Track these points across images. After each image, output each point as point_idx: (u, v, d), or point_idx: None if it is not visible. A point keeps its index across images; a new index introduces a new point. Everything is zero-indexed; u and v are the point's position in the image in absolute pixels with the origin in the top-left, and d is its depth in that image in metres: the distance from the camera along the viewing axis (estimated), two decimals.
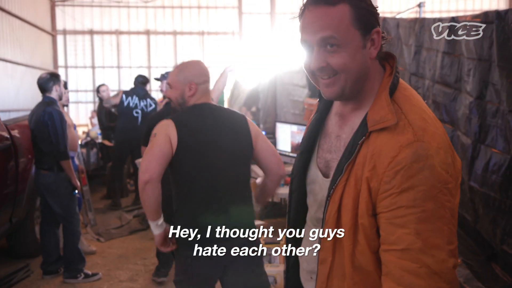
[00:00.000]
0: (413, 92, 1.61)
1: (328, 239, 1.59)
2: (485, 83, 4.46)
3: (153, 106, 8.64)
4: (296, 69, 9.20)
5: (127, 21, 21.42)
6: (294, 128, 6.81)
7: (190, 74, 3.16)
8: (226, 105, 14.84)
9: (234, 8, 21.67)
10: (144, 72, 19.66)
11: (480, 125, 4.55)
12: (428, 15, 6.35)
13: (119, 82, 19.94)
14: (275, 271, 4.55)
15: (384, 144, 1.47)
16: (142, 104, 8.36)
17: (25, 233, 5.74)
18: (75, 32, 20.95)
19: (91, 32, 21.03)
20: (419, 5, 6.67)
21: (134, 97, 8.38)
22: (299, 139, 6.62)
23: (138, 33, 21.30)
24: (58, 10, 20.73)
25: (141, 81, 8.71)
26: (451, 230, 1.42)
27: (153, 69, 20.41)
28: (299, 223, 1.87)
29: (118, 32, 21.17)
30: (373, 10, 1.56)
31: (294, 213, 1.88)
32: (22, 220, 5.54)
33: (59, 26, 20.79)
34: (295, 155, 6.55)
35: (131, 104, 8.31)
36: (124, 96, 8.40)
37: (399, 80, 1.59)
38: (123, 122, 8.45)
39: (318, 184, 1.73)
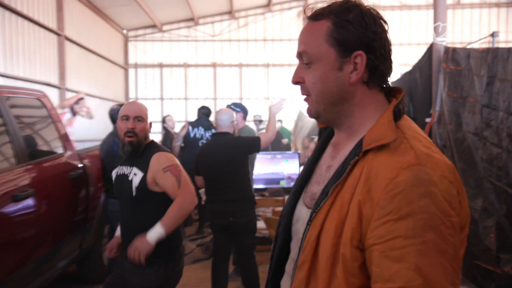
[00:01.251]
0: (418, 128, 1.46)
1: (302, 269, 1.44)
2: None
3: None
4: None
5: (194, 54, 21.82)
6: None
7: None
8: (291, 136, 14.81)
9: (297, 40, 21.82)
10: (210, 103, 20.02)
11: None
12: (502, 45, 6.21)
13: (185, 113, 20.35)
14: None
15: (381, 165, 1.33)
16: (207, 134, 8.41)
17: (94, 259, 5.81)
18: (146, 66, 21.54)
19: (161, 65, 21.55)
20: (492, 35, 6.51)
21: (200, 128, 8.46)
22: None
23: (205, 65, 21.69)
24: (131, 45, 21.42)
25: (205, 113, 8.77)
26: (455, 269, 1.26)
27: (219, 101, 20.73)
28: (281, 273, 1.67)
29: (186, 65, 21.62)
30: (363, 31, 1.41)
31: (276, 261, 1.68)
32: (91, 247, 5.62)
33: (131, 60, 21.46)
34: None
35: (197, 135, 8.39)
36: (190, 127, 8.49)
37: (403, 112, 1.46)
38: (190, 152, 8.38)
39: (301, 221, 1.56)
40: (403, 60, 20.40)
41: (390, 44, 1.48)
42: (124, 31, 21.01)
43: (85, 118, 9.49)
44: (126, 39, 21.18)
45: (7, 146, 4.12)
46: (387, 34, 1.46)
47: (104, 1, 16.42)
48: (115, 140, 5.41)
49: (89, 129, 15.17)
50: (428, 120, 7.02)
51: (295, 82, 1.50)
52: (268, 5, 21.40)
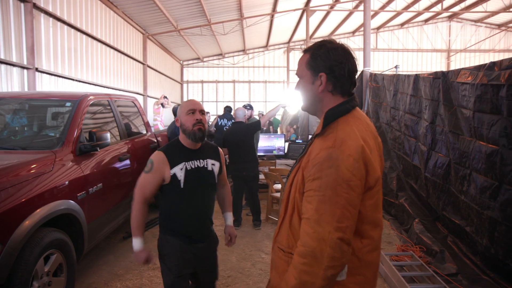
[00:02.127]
0: (360, 121, 1.37)
1: (283, 203, 1.45)
2: (435, 114, 4.33)
3: None
4: None
5: (222, 75, 21.80)
6: None
7: None
8: (280, 124, 14.90)
9: (284, 67, 21.68)
10: (231, 104, 20.07)
11: (432, 139, 4.42)
12: (401, 73, 6.23)
13: (216, 111, 20.41)
14: None
15: (316, 146, 1.32)
16: (229, 123, 8.47)
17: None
18: (193, 82, 21.52)
19: (202, 82, 21.53)
20: (396, 67, 6.51)
21: (224, 119, 8.51)
22: None
23: (228, 82, 21.65)
24: (185, 70, 21.46)
25: (228, 110, 8.83)
26: (343, 213, 1.21)
27: (236, 103, 20.71)
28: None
29: (217, 81, 21.58)
30: (327, 61, 1.37)
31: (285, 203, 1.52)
32: None
33: (185, 78, 21.47)
34: None
35: (223, 123, 8.44)
36: (218, 119, 8.57)
37: (347, 111, 1.37)
38: (219, 134, 8.56)
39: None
40: None
41: (353, 67, 1.41)
42: (181, 61, 20.95)
43: (167, 108, 10.01)
44: (182, 66, 21.13)
45: (115, 129, 4.19)
46: (350, 62, 1.39)
47: (170, 43, 16.44)
48: (176, 126, 5.46)
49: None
50: None
51: (296, 89, 1.49)
52: (266, 46, 21.26)
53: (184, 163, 2.20)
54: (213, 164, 2.31)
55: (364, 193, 1.28)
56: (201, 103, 2.49)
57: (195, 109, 2.21)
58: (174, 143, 2.28)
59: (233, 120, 8.68)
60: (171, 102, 17.32)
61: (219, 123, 8.54)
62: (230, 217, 2.50)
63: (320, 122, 1.38)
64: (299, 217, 1.34)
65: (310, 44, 1.49)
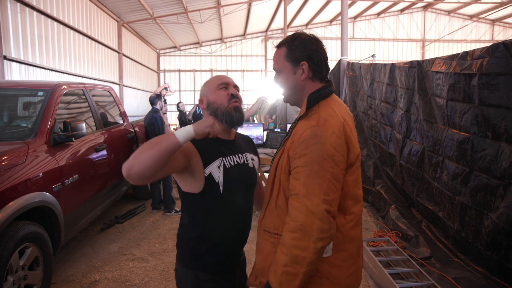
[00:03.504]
0: (339, 104, 1.45)
1: (268, 187, 1.47)
2: (410, 103, 4.42)
3: None
4: None
5: (199, 64, 21.54)
6: None
7: None
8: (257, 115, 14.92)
9: (262, 56, 21.60)
10: None
11: (407, 127, 4.52)
12: (378, 62, 6.32)
13: (194, 100, 20.21)
14: None
15: (300, 127, 1.36)
16: None
17: (142, 186, 5.80)
18: (170, 71, 21.19)
19: (179, 71, 21.21)
20: (372, 56, 6.59)
21: None
22: None
23: (206, 71, 21.42)
24: (161, 58, 21.07)
25: None
26: (329, 186, 1.26)
27: None
28: None
29: (194, 70, 21.31)
30: (305, 50, 1.43)
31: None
32: None
33: (162, 67, 21.11)
34: None
35: (201, 112, 8.39)
36: (197, 107, 8.50)
37: (327, 95, 1.43)
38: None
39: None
40: None
41: (325, 54, 1.49)
42: (158, 50, 20.54)
43: (170, 96, 9.71)
44: (158, 55, 20.73)
45: (90, 119, 4.09)
46: (322, 49, 1.47)
47: (146, 32, 16.05)
48: (153, 115, 5.37)
49: (137, 109, 14.99)
50: None
51: (273, 83, 1.52)
52: (244, 34, 21.08)
53: (221, 158, 1.57)
54: (252, 159, 1.72)
55: (346, 169, 1.34)
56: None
57: (229, 83, 1.65)
58: None
59: None
60: (148, 91, 17.03)
61: (197, 112, 8.47)
62: None
63: (304, 105, 1.42)
64: (285, 197, 1.38)
65: (284, 37, 1.51)
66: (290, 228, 1.27)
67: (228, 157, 1.59)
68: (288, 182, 1.36)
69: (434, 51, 21.38)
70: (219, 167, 1.54)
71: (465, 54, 3.26)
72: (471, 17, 21.02)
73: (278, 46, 1.48)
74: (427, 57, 21.02)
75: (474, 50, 3.15)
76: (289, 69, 1.45)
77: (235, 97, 1.63)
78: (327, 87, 1.45)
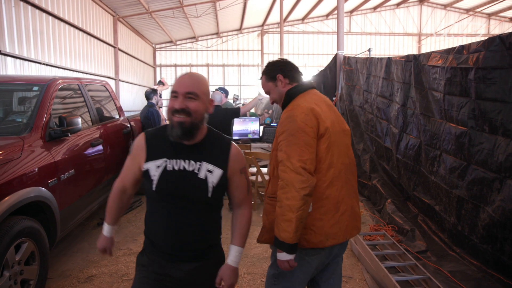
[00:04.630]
0: (315, 95, 1.88)
1: (270, 164, 1.90)
2: (406, 97, 4.42)
3: None
4: None
5: (196, 59, 21.46)
6: None
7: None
8: (253, 110, 14.92)
9: (258, 50, 21.53)
10: None
11: (404, 121, 4.52)
12: (374, 56, 6.31)
13: None
14: None
15: (283, 114, 1.81)
16: None
17: None
18: (166, 65, 21.08)
19: (175, 65, 21.11)
20: (369, 50, 6.58)
21: None
22: None
23: (202, 65, 21.33)
24: (157, 53, 20.95)
25: None
26: (303, 150, 1.65)
27: (211, 87, 20.52)
28: None
29: (190, 65, 21.22)
30: (276, 68, 1.94)
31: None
32: None
33: (157, 62, 21.01)
34: None
35: None
36: None
37: (304, 90, 1.88)
38: None
39: None
40: (321, 63, 20.35)
41: (294, 65, 1.98)
42: (154, 45, 20.42)
43: (166, 90, 9.87)
44: (154, 49, 20.61)
45: (86, 114, 4.06)
46: (290, 62, 1.98)
47: (142, 26, 15.95)
48: (149, 109, 5.34)
49: (133, 104, 14.92)
50: (334, 98, 7.09)
51: (267, 94, 2.00)
52: (240, 29, 20.99)
53: (165, 159, 1.56)
54: (209, 171, 1.56)
55: (318, 139, 1.72)
56: (201, 80, 1.59)
57: (178, 92, 1.51)
58: (166, 128, 1.60)
59: None
60: (144, 86, 16.94)
61: None
62: (234, 253, 1.64)
63: (284, 100, 1.92)
64: (277, 168, 1.74)
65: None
66: (280, 186, 1.65)
67: (175, 160, 1.56)
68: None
69: (430, 45, 21.38)
70: (158, 166, 1.56)
71: (461, 48, 3.25)
72: (467, 11, 21.01)
73: (261, 78, 1.99)
74: (423, 51, 21.01)
75: (470, 44, 3.14)
76: (273, 86, 1.94)
77: (179, 112, 1.50)
78: (302, 85, 1.90)
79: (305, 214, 1.63)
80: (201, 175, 1.56)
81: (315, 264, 1.82)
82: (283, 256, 1.65)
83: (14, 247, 2.48)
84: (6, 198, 2.42)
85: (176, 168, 1.56)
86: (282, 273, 1.78)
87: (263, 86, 1.98)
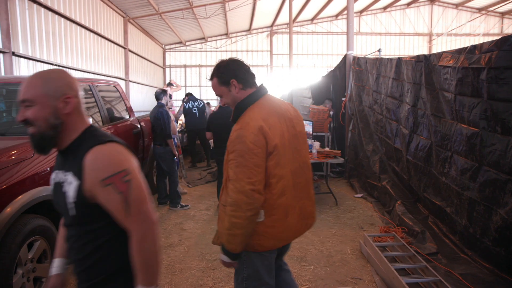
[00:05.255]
0: (267, 104, 1.87)
1: (224, 172, 1.85)
2: (417, 97, 4.38)
3: (202, 103, 8.85)
4: (304, 87, 9.13)
5: (205, 59, 21.53)
6: (303, 122, 6.75)
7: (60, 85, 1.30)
8: None
9: (268, 51, 21.53)
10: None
11: (414, 122, 4.48)
12: (384, 56, 6.27)
13: (200, 95, 20.17)
14: None
15: (232, 129, 1.80)
16: (196, 103, 8.66)
17: (149, 180, 5.81)
18: (176, 66, 21.20)
19: (185, 66, 21.21)
20: (379, 50, 6.54)
21: (190, 101, 8.73)
22: (306, 129, 6.58)
23: (211, 66, 21.30)
24: (167, 54, 21.08)
25: (189, 94, 9.30)
26: (251, 172, 1.70)
27: None
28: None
29: (200, 66, 21.31)
30: (230, 72, 1.86)
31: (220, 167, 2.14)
32: (147, 173, 5.65)
33: (167, 62, 21.15)
34: None
35: (190, 106, 8.63)
36: (185, 104, 8.74)
37: (254, 100, 1.85)
38: (189, 118, 8.70)
39: None
40: (330, 64, 20.29)
41: (247, 66, 1.92)
42: (163, 46, 20.56)
43: (177, 91, 10.26)
44: (164, 50, 20.74)
45: (97, 114, 4.10)
46: (243, 64, 1.91)
47: (152, 27, 16.08)
48: (159, 110, 5.38)
49: (142, 104, 15.03)
50: (343, 99, 7.06)
51: (223, 105, 1.95)
52: (249, 29, 21.02)
53: (55, 171, 1.37)
54: (70, 182, 1.27)
55: (267, 157, 1.76)
56: (33, 82, 1.28)
57: (19, 101, 1.27)
58: None
59: (199, 101, 8.83)
60: (154, 86, 17.06)
61: (187, 107, 8.60)
62: None
63: (233, 112, 1.88)
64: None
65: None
66: (229, 203, 1.74)
67: (56, 171, 1.36)
68: None
69: (441, 46, 21.15)
70: (53, 179, 1.37)
71: (473, 47, 3.21)
72: (479, 10, 20.74)
73: (211, 78, 1.91)
74: (434, 51, 20.81)
75: (483, 43, 3.10)
76: (226, 90, 1.88)
77: (23, 124, 1.27)
78: (254, 94, 1.87)
79: (250, 230, 1.76)
80: (65, 187, 1.29)
81: (274, 255, 1.98)
82: (224, 258, 1.84)
83: (27, 245, 2.51)
84: (19, 197, 2.45)
85: (54, 181, 1.36)
86: (250, 274, 1.90)
87: (214, 88, 1.91)
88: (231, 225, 1.73)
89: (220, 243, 1.88)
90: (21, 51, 7.19)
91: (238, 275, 1.96)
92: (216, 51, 21.32)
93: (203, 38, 20.69)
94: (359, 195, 5.80)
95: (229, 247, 1.78)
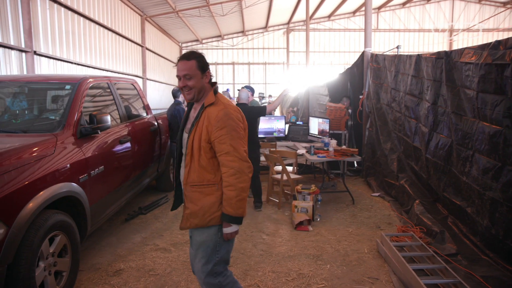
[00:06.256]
0: (225, 97, 2.15)
1: (188, 155, 2.06)
2: (437, 95, 4.30)
3: None
4: (321, 84, 9.07)
5: (221, 57, 21.59)
6: (320, 120, 6.73)
7: None
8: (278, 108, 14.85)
9: (284, 48, 21.44)
10: (230, 87, 19.89)
11: (434, 120, 4.40)
12: (402, 53, 6.17)
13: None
14: (307, 205, 4.58)
15: (211, 111, 2.05)
16: None
17: (165, 177, 5.87)
18: None
19: None
20: (397, 47, 6.44)
21: None
22: (323, 127, 6.54)
23: (227, 64, 21.44)
24: (183, 52, 21.22)
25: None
26: (243, 142, 2.04)
27: (236, 85, 20.54)
28: (179, 160, 2.24)
29: (216, 63, 21.39)
30: (206, 64, 2.11)
31: (178, 155, 2.26)
32: (164, 170, 5.71)
33: None
34: (321, 136, 6.49)
35: None
36: None
37: (217, 91, 2.15)
38: None
39: (185, 138, 2.17)
40: (347, 61, 20.08)
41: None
42: (180, 43, 20.71)
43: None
44: (180, 48, 20.91)
45: (115, 112, 4.17)
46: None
47: (169, 25, 16.21)
48: (176, 107, 5.43)
49: (159, 102, 15.18)
50: (361, 96, 6.99)
51: (184, 86, 2.06)
52: (265, 27, 20.96)
53: None
54: None
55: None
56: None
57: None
58: None
59: None
60: (170, 84, 17.21)
61: None
62: None
63: (211, 97, 2.10)
64: (206, 158, 2.04)
65: (190, 51, 2.11)
66: (230, 173, 1.99)
67: None
68: (209, 147, 2.04)
69: (462, 42, 20.66)
70: None
71: (498, 43, 3.13)
72: (504, 4, 20.15)
73: (189, 59, 2.05)
74: (454, 47, 20.36)
75: (508, 38, 3.01)
76: (200, 76, 2.07)
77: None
78: (216, 88, 2.16)
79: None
80: None
81: None
82: (233, 229, 2.06)
83: (48, 239, 2.58)
84: (41, 192, 2.52)
85: None
86: (220, 259, 2.12)
87: (189, 69, 2.04)
88: (239, 191, 1.98)
89: (196, 223, 2.07)
90: (42, 50, 7.36)
91: (208, 263, 2.10)
92: (233, 48, 21.36)
93: (219, 36, 20.76)
94: (376, 194, 5.74)
95: (240, 212, 2.01)
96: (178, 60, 2.11)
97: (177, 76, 2.09)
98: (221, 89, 20.41)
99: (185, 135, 2.17)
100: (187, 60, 2.05)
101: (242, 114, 2.14)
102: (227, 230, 2.06)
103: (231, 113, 2.03)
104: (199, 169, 2.04)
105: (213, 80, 2.19)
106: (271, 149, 6.08)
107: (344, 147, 6.00)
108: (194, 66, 2.05)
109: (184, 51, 21.03)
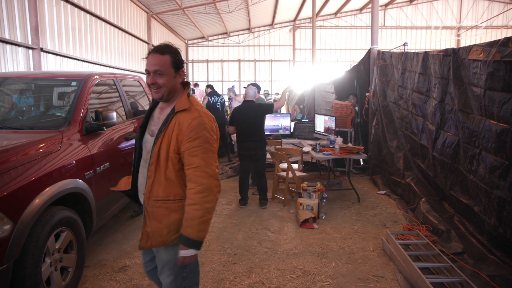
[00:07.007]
0: (198, 101, 1.95)
1: (152, 166, 1.84)
2: (444, 92, 4.26)
3: (224, 99, 9.00)
4: (327, 81, 9.03)
5: (227, 54, 21.59)
6: (326, 118, 6.70)
7: None
8: (285, 105, 14.80)
9: (290, 45, 21.38)
10: (236, 84, 19.90)
11: (441, 118, 4.36)
12: (409, 50, 6.12)
13: (222, 91, 20.26)
14: (312, 203, 4.56)
15: (184, 118, 1.81)
16: (219, 99, 8.74)
17: None
18: (198, 61, 21.35)
19: (207, 61, 21.33)
20: (404, 44, 6.39)
21: (214, 96, 8.75)
22: (329, 124, 6.52)
23: (233, 61, 21.44)
24: (190, 49, 21.23)
25: (210, 87, 9.63)
26: (215, 157, 1.84)
27: (242, 83, 20.53)
28: (137, 164, 2.01)
29: (222, 61, 21.38)
30: (182, 61, 1.88)
31: (136, 159, 2.01)
32: None
33: (190, 57, 21.31)
34: (327, 134, 6.46)
35: (215, 101, 8.68)
36: (209, 98, 8.79)
37: (190, 94, 1.94)
38: (212, 112, 8.82)
39: (148, 142, 1.94)
40: (354, 58, 19.98)
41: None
42: (186, 41, 20.74)
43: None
44: (187, 45, 20.95)
45: (121, 109, 4.18)
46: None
47: (175, 22, 16.24)
48: None
49: None
50: (367, 94, 6.94)
51: (153, 83, 1.82)
52: (272, 24, 20.91)
53: None
54: None
55: None
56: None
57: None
58: None
59: (221, 96, 9.07)
60: None
61: (211, 101, 8.67)
62: None
63: (184, 100, 1.87)
64: (174, 171, 1.82)
65: (165, 44, 1.87)
66: (197, 191, 1.76)
67: None
68: (177, 158, 1.82)
69: (470, 39, 20.45)
70: None
71: (507, 40, 3.08)
72: None
73: (163, 53, 1.81)
74: (462, 45, 20.14)
75: None
76: (172, 74, 1.84)
77: None
78: (189, 90, 1.96)
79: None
80: None
81: None
82: (191, 252, 1.78)
83: (54, 235, 2.60)
84: (47, 189, 2.54)
85: None
86: (189, 273, 1.95)
87: (162, 64, 1.79)
88: (204, 212, 1.75)
89: (161, 242, 1.86)
90: (49, 47, 7.41)
91: (177, 279, 1.91)
92: (239, 45, 21.35)
93: (226, 33, 20.75)
94: (382, 192, 5.71)
95: (201, 235, 1.77)
96: (150, 53, 1.84)
97: (146, 70, 1.83)
98: (226, 85, 20.46)
99: (148, 138, 1.93)
100: (161, 54, 1.79)
101: (216, 124, 1.92)
102: (184, 253, 1.77)
103: (206, 122, 1.80)
104: (165, 182, 1.82)
105: (186, 80, 1.97)
106: (277, 147, 6.07)
107: (350, 144, 5.98)
108: (168, 62, 1.80)
109: (190, 49, 21.06)
